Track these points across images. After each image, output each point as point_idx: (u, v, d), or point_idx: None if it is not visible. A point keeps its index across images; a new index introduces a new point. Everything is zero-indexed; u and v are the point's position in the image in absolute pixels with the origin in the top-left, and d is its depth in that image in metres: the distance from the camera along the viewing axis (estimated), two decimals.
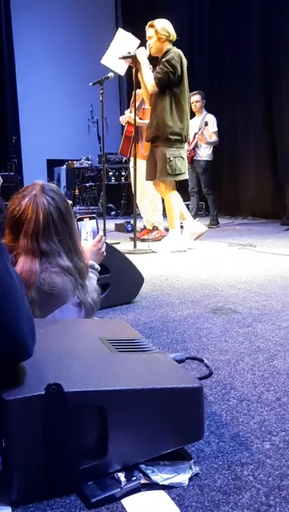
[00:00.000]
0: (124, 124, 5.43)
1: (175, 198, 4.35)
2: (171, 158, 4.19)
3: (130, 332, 1.37)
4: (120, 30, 4.43)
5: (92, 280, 1.68)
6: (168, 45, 4.25)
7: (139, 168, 4.73)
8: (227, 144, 7.74)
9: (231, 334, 1.94)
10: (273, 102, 7.01)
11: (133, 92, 4.57)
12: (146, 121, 4.96)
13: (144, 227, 5.54)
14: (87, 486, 0.93)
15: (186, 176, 4.41)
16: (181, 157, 4.27)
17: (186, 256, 4.07)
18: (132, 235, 4.71)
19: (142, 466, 0.98)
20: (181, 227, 4.74)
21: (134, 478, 0.95)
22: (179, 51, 4.19)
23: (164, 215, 4.94)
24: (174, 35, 4.26)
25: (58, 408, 0.90)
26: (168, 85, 4.16)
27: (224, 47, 7.98)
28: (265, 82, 7.13)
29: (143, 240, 5.01)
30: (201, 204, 7.52)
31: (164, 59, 4.16)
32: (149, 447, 0.99)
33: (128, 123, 5.20)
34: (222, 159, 7.86)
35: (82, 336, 1.31)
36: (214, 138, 6.47)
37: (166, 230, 5.20)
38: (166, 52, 4.19)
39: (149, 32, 4.26)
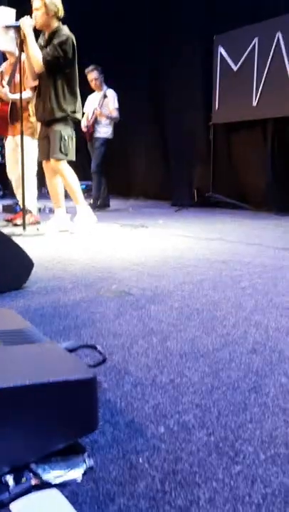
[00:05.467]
0: None
1: (71, 174, 4.26)
2: (66, 138, 4.16)
3: (18, 322, 1.29)
4: None
5: None
6: (56, 22, 4.05)
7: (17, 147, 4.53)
8: (117, 123, 7.73)
9: (125, 317, 1.92)
10: (159, 85, 7.08)
11: (17, 65, 4.30)
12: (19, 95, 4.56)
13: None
14: None
15: (73, 157, 4.31)
16: (72, 138, 4.24)
17: (77, 238, 3.99)
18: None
19: (33, 466, 0.92)
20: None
21: (23, 480, 0.89)
22: (71, 34, 4.03)
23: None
24: (62, 11, 4.08)
25: None
26: (57, 68, 4.03)
27: None
28: (151, 58, 7.18)
29: (15, 225, 4.70)
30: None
31: (55, 41, 3.97)
32: (40, 445, 0.93)
33: (1, 101, 4.83)
34: (112, 139, 7.84)
35: None
36: (115, 113, 6.29)
37: (51, 211, 4.99)
38: (56, 31, 4.01)
39: (36, 3, 4.02)
